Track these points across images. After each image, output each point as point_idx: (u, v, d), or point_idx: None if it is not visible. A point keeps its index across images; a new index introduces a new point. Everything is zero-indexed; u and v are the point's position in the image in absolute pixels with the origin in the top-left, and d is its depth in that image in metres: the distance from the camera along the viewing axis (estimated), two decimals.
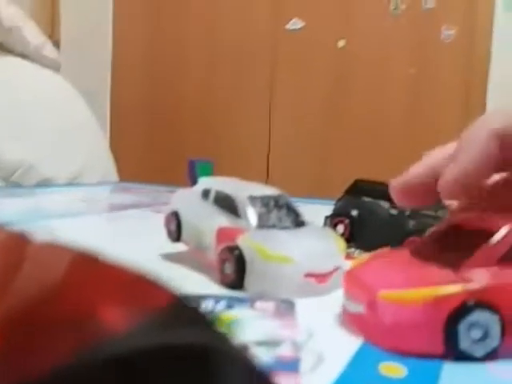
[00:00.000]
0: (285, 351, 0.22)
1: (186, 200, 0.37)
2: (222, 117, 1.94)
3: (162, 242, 0.37)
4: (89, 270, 0.10)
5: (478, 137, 0.23)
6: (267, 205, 0.33)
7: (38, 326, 0.08)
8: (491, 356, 0.21)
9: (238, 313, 0.26)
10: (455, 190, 0.23)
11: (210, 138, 1.95)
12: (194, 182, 0.40)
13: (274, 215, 0.33)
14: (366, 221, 0.42)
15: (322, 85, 1.80)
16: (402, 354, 0.22)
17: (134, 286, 0.10)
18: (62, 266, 0.10)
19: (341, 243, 0.34)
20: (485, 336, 0.21)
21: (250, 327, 0.24)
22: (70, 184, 1.04)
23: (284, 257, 0.30)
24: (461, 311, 0.21)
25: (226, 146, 1.91)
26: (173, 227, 0.36)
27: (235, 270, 0.30)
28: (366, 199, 0.43)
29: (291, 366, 0.20)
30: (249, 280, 0.30)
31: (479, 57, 1.64)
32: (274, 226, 0.32)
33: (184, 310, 0.10)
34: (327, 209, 0.46)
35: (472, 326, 0.21)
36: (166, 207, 0.38)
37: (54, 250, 0.11)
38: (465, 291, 0.22)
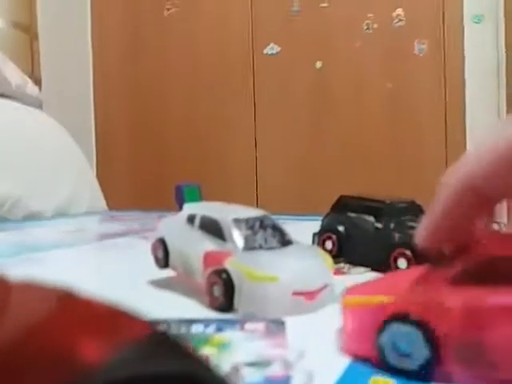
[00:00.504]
0: (275, 370, 0.22)
1: (172, 226, 0.37)
2: (207, 140, 1.96)
3: (151, 268, 0.37)
4: (66, 307, 0.11)
5: (449, 184, 0.23)
6: (252, 226, 0.34)
7: (20, 364, 0.08)
8: (425, 373, 0.20)
9: (228, 335, 0.26)
10: (429, 240, 0.23)
11: (196, 161, 1.96)
12: (181, 206, 0.41)
13: (259, 236, 0.34)
14: (353, 235, 0.43)
15: (302, 104, 1.83)
16: (358, 358, 0.22)
17: (110, 318, 0.10)
18: (41, 304, 0.11)
19: (328, 260, 0.34)
20: (412, 350, 0.20)
21: (241, 349, 0.24)
22: (58, 216, 1.03)
23: (271, 276, 0.30)
24: (387, 321, 0.21)
25: (212, 169, 1.92)
26: (160, 254, 0.37)
27: (224, 293, 0.31)
28: (352, 214, 0.44)
29: None
30: (238, 302, 0.31)
31: (453, 68, 1.68)
32: (260, 247, 0.33)
33: (163, 339, 0.10)
34: (316, 225, 0.47)
35: (398, 338, 0.20)
36: (152, 234, 0.38)
37: (31, 288, 0.11)
38: (397, 302, 0.21)
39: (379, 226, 0.41)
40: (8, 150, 1.04)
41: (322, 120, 1.81)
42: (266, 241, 0.34)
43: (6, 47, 1.37)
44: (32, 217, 0.99)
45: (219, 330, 0.27)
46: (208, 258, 0.33)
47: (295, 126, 1.84)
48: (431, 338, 0.20)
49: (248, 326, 0.28)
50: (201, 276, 0.33)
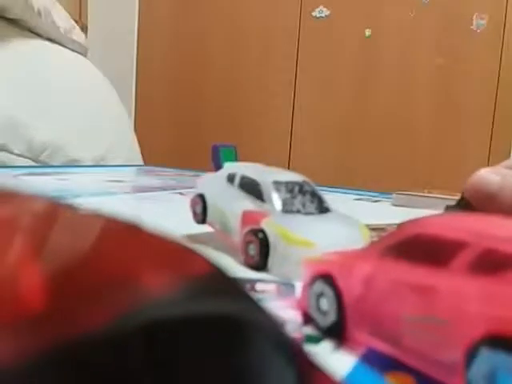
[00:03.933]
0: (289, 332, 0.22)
1: (212, 184, 0.38)
2: (246, 104, 1.95)
3: (188, 223, 0.38)
4: (131, 237, 0.11)
5: None
6: (292, 190, 0.34)
7: (83, 285, 0.09)
8: (333, 335, 0.21)
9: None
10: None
11: (233, 124, 1.96)
12: (217, 166, 0.41)
13: (298, 201, 0.34)
14: None
15: (347, 72, 1.78)
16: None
17: (174, 253, 0.11)
18: (106, 231, 0.11)
19: (365, 231, 0.34)
20: (328, 309, 0.21)
21: None
22: (96, 165, 1.06)
23: (307, 241, 0.31)
24: (313, 280, 0.22)
25: (248, 130, 1.92)
26: (198, 209, 0.37)
27: (259, 253, 0.31)
28: None
29: None
30: (272, 262, 0.31)
31: (511, 48, 1.60)
32: (298, 212, 0.33)
33: (222, 279, 0.11)
34: (349, 198, 0.46)
35: (320, 295, 0.22)
36: (191, 190, 0.39)
37: (98, 217, 0.12)
38: (327, 263, 0.22)
39: None
40: (51, 95, 1.06)
41: (366, 90, 1.77)
42: (304, 206, 0.34)
43: None
44: (71, 163, 1.02)
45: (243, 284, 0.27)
46: (246, 217, 0.33)
47: (337, 94, 1.80)
48: (338, 301, 0.21)
49: (259, 286, 0.28)
50: (237, 234, 0.33)
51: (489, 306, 0.15)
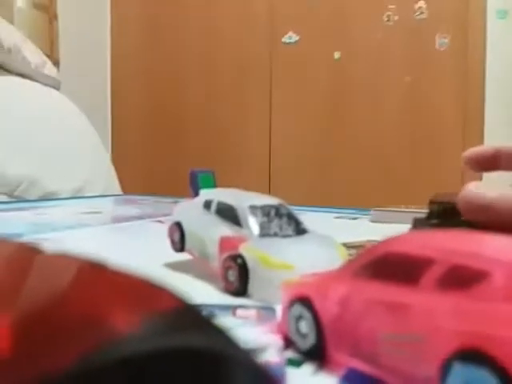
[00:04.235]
0: (270, 357, 0.22)
1: (189, 211, 0.38)
2: (223, 127, 1.96)
3: (166, 251, 0.38)
4: (97, 276, 0.11)
5: None
6: (268, 214, 0.34)
7: (49, 328, 0.09)
8: (314, 357, 0.21)
9: (219, 321, 0.26)
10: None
11: (210, 148, 1.97)
12: (196, 192, 0.41)
13: (275, 224, 0.34)
14: None
15: (319, 94, 1.82)
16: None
17: (140, 290, 0.11)
18: (72, 273, 0.11)
19: (342, 250, 0.35)
20: (307, 332, 0.22)
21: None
22: (74, 197, 1.05)
23: (285, 264, 0.31)
24: (292, 302, 0.23)
25: (227, 156, 1.93)
26: (176, 237, 0.37)
27: (238, 278, 0.31)
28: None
29: (277, 370, 0.21)
30: (252, 287, 0.31)
31: (475, 64, 1.66)
32: (275, 235, 0.33)
33: (190, 313, 0.11)
34: (327, 216, 0.47)
35: (299, 318, 0.22)
36: (170, 217, 0.39)
37: (64, 259, 0.12)
38: (298, 285, 0.23)
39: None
40: (25, 130, 1.05)
41: (338, 111, 1.80)
42: (281, 228, 0.34)
43: (26, 27, 1.39)
44: (48, 197, 1.00)
45: (210, 316, 0.27)
46: (224, 242, 0.33)
47: (311, 116, 1.83)
48: (317, 323, 0.21)
49: (239, 312, 0.28)
50: (216, 260, 0.33)
51: (459, 321, 0.15)
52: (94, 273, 0.11)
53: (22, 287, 0.10)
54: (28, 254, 0.12)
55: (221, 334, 0.11)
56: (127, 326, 0.09)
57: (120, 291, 0.11)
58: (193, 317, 0.11)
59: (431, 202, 0.33)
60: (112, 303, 0.10)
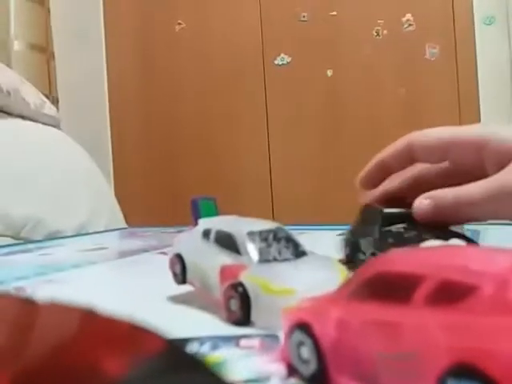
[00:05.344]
0: None
1: (188, 242, 0.38)
2: (221, 152, 1.98)
3: (170, 284, 0.38)
4: (87, 325, 0.11)
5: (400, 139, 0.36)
6: (266, 239, 0.34)
7: (47, 381, 0.09)
8: (317, 382, 0.21)
9: (224, 353, 0.26)
10: (363, 180, 0.39)
11: (210, 175, 1.98)
12: (197, 219, 0.41)
13: (273, 248, 0.34)
14: (361, 244, 0.43)
15: (315, 113, 1.84)
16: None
17: (129, 335, 0.11)
18: (64, 323, 0.11)
19: (343, 271, 0.35)
20: (309, 357, 0.21)
21: (237, 366, 0.24)
22: (79, 234, 1.05)
23: (286, 289, 0.31)
24: (291, 329, 0.22)
25: (227, 181, 1.94)
26: (177, 270, 0.37)
27: (240, 307, 0.31)
28: (379, 226, 0.43)
29: None
30: (255, 315, 0.31)
31: (466, 71, 1.68)
32: (274, 260, 0.33)
33: (179, 354, 0.11)
34: (333, 234, 0.47)
35: (300, 345, 0.22)
36: (169, 250, 0.39)
37: (55, 309, 0.12)
38: (298, 310, 0.22)
39: (407, 235, 0.40)
40: (28, 171, 1.06)
41: (335, 128, 1.81)
42: (280, 253, 0.34)
43: (23, 68, 1.42)
44: (53, 236, 1.01)
45: (214, 347, 0.27)
46: (224, 272, 0.33)
47: (308, 136, 1.85)
48: (317, 348, 0.21)
49: (243, 342, 0.28)
50: (218, 290, 0.33)
51: (450, 336, 0.15)
52: (84, 321, 0.12)
53: (16, 342, 0.10)
54: (19, 306, 0.13)
55: (209, 372, 0.11)
56: (119, 371, 0.10)
57: (110, 338, 0.11)
58: (181, 356, 0.11)
59: (365, 208, 0.38)
60: (104, 350, 0.10)
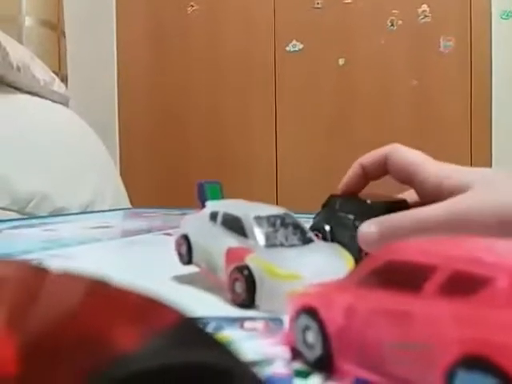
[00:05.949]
0: (278, 368, 0.22)
1: (195, 223, 0.38)
2: (229, 137, 1.97)
3: (175, 264, 0.38)
4: (100, 296, 0.11)
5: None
6: (273, 224, 0.34)
7: (56, 350, 0.09)
8: (321, 367, 0.21)
9: (228, 334, 0.26)
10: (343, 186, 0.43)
11: (217, 159, 1.98)
12: (203, 203, 0.41)
13: (280, 234, 0.34)
14: (336, 234, 0.43)
15: (325, 102, 1.82)
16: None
17: (143, 307, 0.11)
18: (76, 292, 0.11)
19: (349, 258, 0.35)
20: (314, 342, 0.21)
21: (241, 347, 0.24)
22: (83, 212, 1.05)
23: (292, 274, 0.31)
24: (298, 312, 0.22)
25: (233, 166, 1.93)
26: (183, 250, 0.37)
27: (245, 289, 0.31)
28: (339, 213, 0.43)
29: (285, 382, 0.21)
30: (259, 298, 0.31)
31: (480, 65, 1.65)
32: (281, 245, 0.33)
33: (192, 329, 0.11)
34: None
35: (305, 329, 0.22)
36: (178, 230, 0.39)
37: (68, 278, 0.12)
38: (306, 296, 0.23)
39: (357, 224, 0.41)
40: (35, 147, 1.06)
41: (345, 117, 1.80)
42: (286, 238, 0.34)
43: (34, 45, 1.41)
44: (58, 212, 1.01)
45: (218, 328, 0.27)
46: (230, 254, 0.33)
47: (317, 124, 1.83)
48: (323, 334, 0.21)
49: (247, 324, 0.28)
50: (223, 272, 0.33)
51: (463, 328, 0.15)
52: (97, 292, 0.12)
53: (28, 308, 0.10)
54: (33, 274, 0.13)
55: (222, 349, 0.11)
56: (131, 344, 0.09)
57: (123, 309, 0.11)
58: (195, 332, 0.11)
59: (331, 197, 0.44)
60: (116, 322, 0.10)
